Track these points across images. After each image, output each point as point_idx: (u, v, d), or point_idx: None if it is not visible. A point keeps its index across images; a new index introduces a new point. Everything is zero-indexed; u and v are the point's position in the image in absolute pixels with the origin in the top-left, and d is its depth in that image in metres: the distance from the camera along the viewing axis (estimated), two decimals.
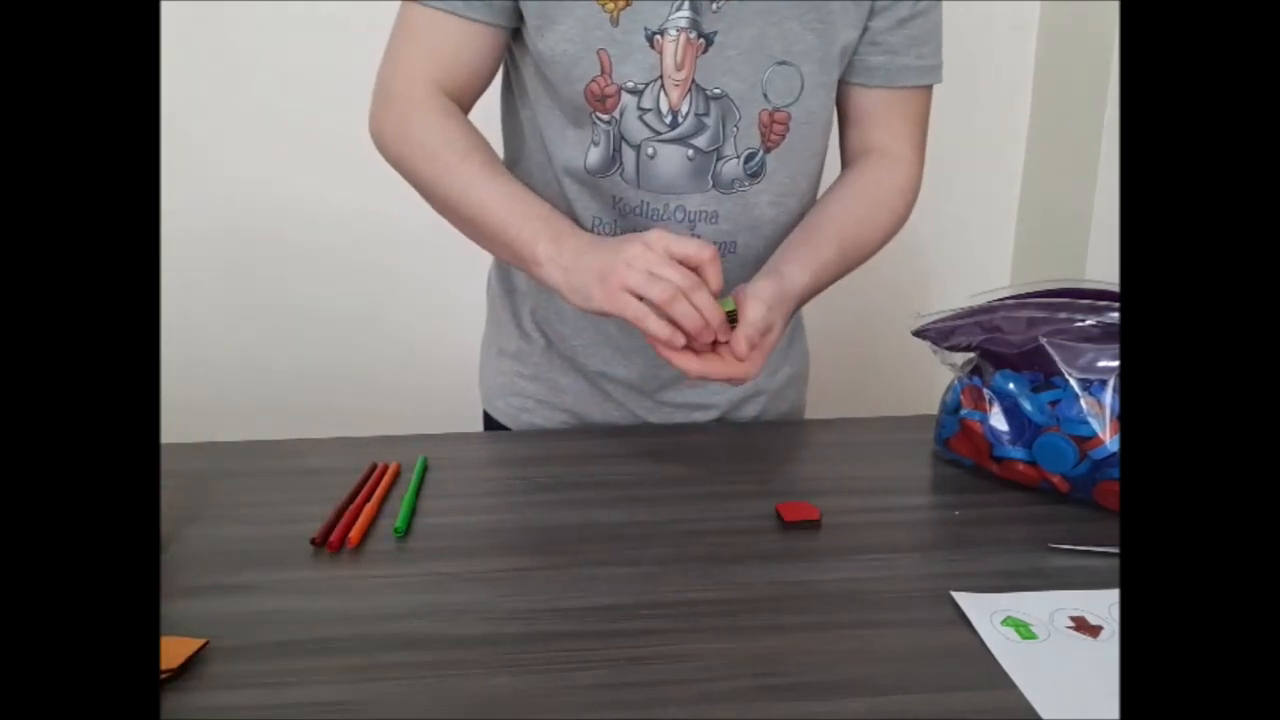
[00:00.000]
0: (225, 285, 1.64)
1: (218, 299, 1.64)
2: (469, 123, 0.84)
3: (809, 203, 0.92)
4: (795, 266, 0.81)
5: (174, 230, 1.36)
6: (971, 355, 0.82)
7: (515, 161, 0.92)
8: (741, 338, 0.72)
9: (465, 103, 0.85)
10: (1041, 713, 0.50)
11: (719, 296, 0.71)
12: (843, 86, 0.86)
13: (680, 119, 0.81)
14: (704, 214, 0.85)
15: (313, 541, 0.69)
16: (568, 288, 0.74)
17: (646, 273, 0.69)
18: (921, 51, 0.85)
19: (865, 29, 0.83)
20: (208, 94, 1.53)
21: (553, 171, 0.87)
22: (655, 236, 0.71)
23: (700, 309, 0.69)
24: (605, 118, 0.81)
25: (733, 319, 0.72)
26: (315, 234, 1.62)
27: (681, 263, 0.70)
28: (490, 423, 1.03)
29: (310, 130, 1.56)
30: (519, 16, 0.81)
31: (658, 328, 0.69)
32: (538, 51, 0.81)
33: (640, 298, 0.70)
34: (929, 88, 0.89)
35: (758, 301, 0.74)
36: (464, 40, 0.81)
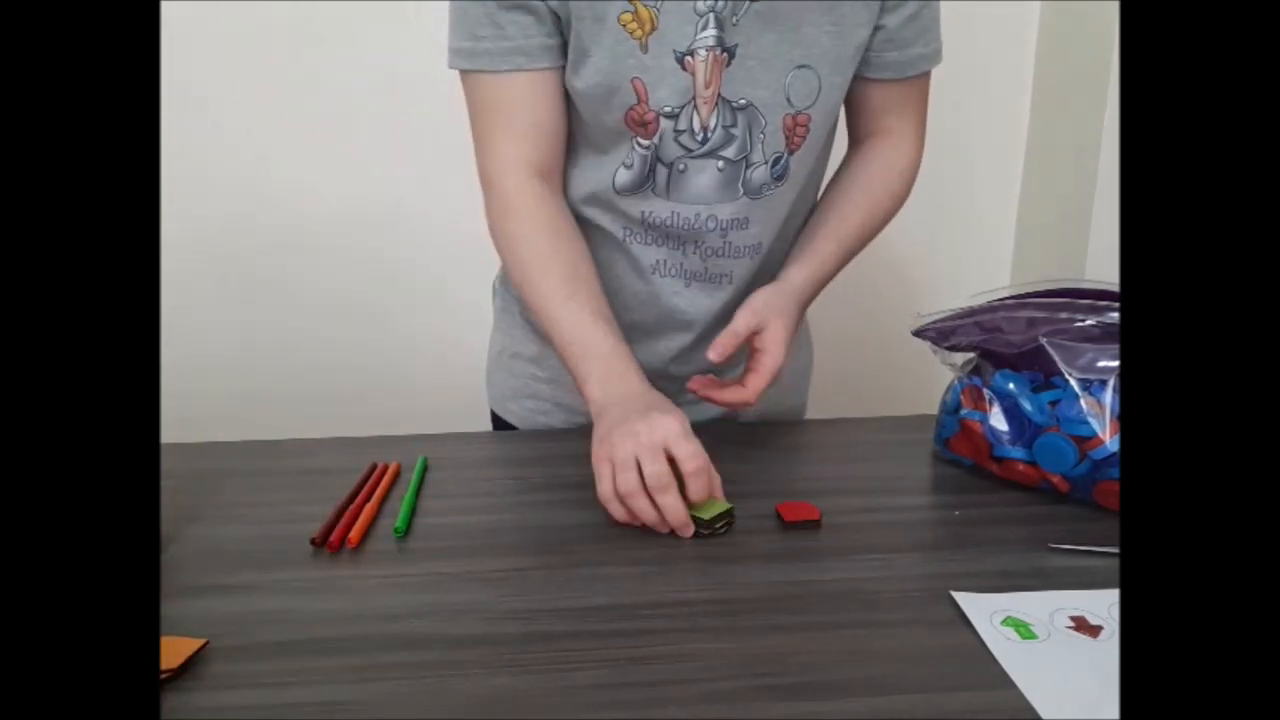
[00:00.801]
0: (226, 285, 1.64)
1: (218, 299, 1.64)
2: (559, 220, 0.84)
3: (817, 188, 0.94)
4: (792, 268, 0.88)
5: (174, 229, 1.37)
6: (971, 355, 0.82)
7: None
8: (721, 343, 0.81)
9: (558, 160, 0.86)
10: (1041, 713, 0.50)
11: (696, 504, 0.71)
12: (856, 80, 0.87)
13: (709, 134, 0.81)
14: (736, 221, 0.86)
15: (313, 541, 0.69)
16: (595, 437, 0.75)
17: (629, 457, 0.70)
18: (927, 39, 0.86)
19: (878, 28, 0.83)
20: (208, 93, 1.53)
21: (569, 200, 0.88)
22: (660, 423, 0.71)
23: (662, 509, 0.69)
24: (645, 143, 0.82)
25: (728, 515, 0.72)
26: (317, 233, 1.62)
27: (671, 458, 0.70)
28: (500, 425, 1.03)
29: (314, 130, 1.57)
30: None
31: (615, 510, 0.71)
32: (573, 86, 0.81)
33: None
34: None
35: (744, 310, 0.82)
36: (538, 94, 0.81)
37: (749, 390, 0.82)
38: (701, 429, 0.93)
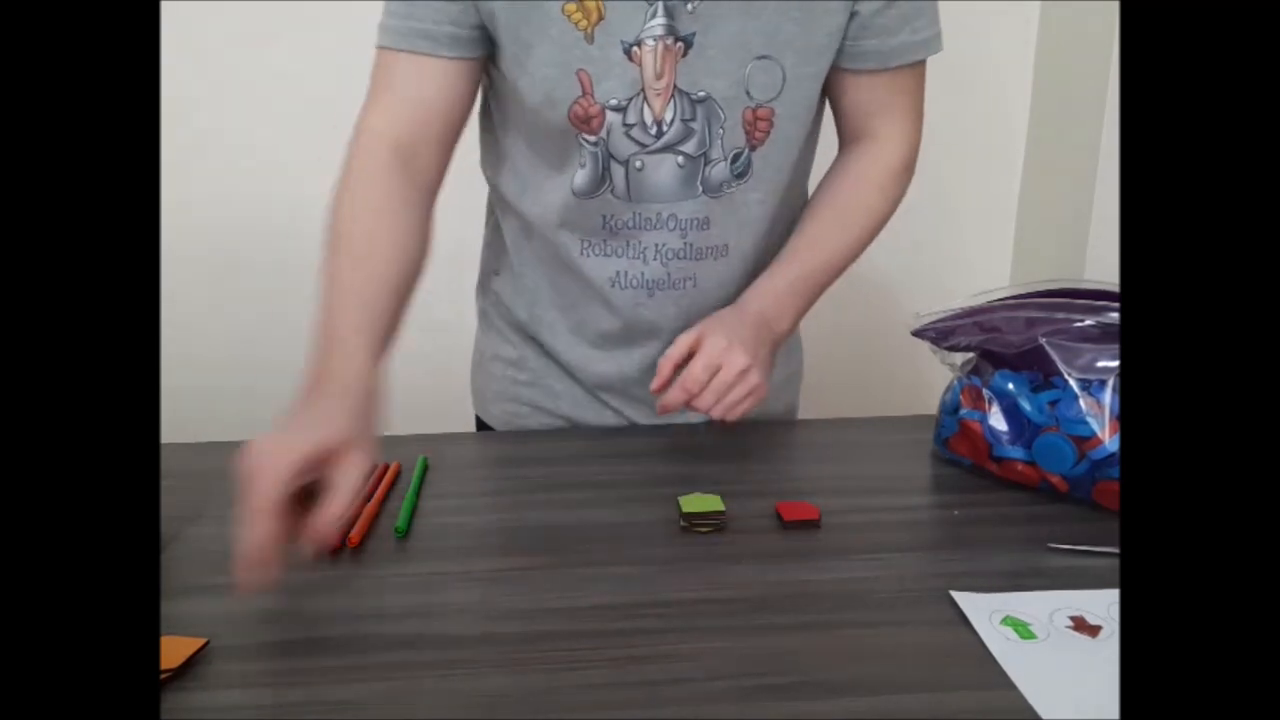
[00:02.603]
0: (225, 285, 1.64)
1: (217, 299, 1.64)
2: (382, 200, 0.77)
3: (798, 193, 0.92)
4: (752, 293, 0.86)
5: (172, 230, 1.37)
6: (971, 355, 0.82)
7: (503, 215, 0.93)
8: (659, 371, 0.80)
9: (448, 139, 0.83)
10: (1041, 713, 0.50)
11: (687, 497, 0.73)
12: (836, 74, 0.84)
13: (665, 127, 0.79)
14: (695, 220, 0.84)
15: None
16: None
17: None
18: (915, 26, 0.82)
19: (853, 14, 0.80)
20: (207, 95, 1.53)
21: (530, 226, 0.88)
22: (258, 456, 0.58)
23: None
24: (592, 139, 0.80)
25: (716, 516, 0.71)
26: (317, 234, 1.62)
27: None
28: (483, 428, 1.03)
29: (311, 133, 1.56)
30: (491, 42, 0.79)
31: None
32: (516, 82, 0.79)
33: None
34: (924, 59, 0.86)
35: (685, 333, 0.81)
36: (438, 80, 0.79)
37: (686, 378, 0.78)
38: (700, 430, 0.94)
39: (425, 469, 0.82)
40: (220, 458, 0.85)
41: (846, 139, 0.91)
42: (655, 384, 0.80)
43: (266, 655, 0.56)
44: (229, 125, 1.56)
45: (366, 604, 0.61)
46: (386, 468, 0.81)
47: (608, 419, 0.95)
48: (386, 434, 0.90)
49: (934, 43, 0.84)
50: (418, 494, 0.77)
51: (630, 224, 0.84)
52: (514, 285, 0.94)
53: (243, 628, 0.58)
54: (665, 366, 0.80)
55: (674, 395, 0.79)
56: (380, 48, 0.80)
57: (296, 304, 1.68)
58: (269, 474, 0.57)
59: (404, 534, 0.71)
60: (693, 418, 0.95)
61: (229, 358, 1.66)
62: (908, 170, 0.89)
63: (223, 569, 0.66)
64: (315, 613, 0.60)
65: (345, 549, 0.69)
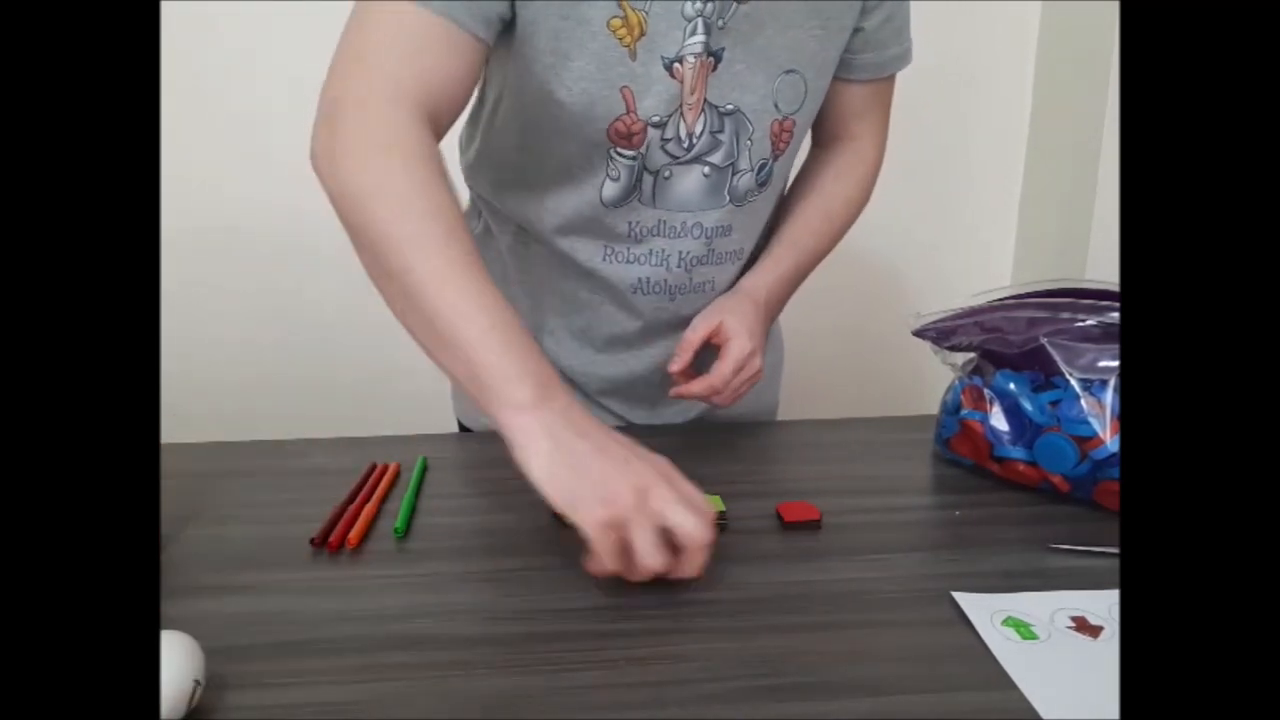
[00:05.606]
0: (224, 286, 1.64)
1: (216, 300, 1.64)
2: (450, 182, 0.68)
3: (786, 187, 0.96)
4: (745, 275, 0.90)
5: (172, 231, 1.37)
6: (972, 355, 0.82)
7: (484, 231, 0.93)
8: (678, 354, 0.85)
9: (453, 121, 0.75)
10: (1042, 713, 0.50)
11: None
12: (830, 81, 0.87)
13: (695, 140, 0.80)
14: (720, 229, 0.85)
15: (312, 542, 0.69)
16: (549, 462, 0.59)
17: (648, 529, 0.57)
18: (900, 39, 0.87)
19: (857, 30, 0.83)
20: (208, 90, 1.53)
21: (539, 234, 0.86)
22: (665, 489, 0.58)
23: (679, 572, 0.59)
24: (630, 154, 0.79)
25: (718, 518, 0.71)
26: (318, 233, 1.62)
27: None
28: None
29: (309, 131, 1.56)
30: (499, 39, 0.74)
31: (611, 563, 0.58)
32: (553, 94, 0.75)
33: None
34: None
35: (696, 319, 0.86)
36: (450, 51, 0.70)
37: (715, 376, 0.83)
38: (700, 430, 0.94)
39: (425, 469, 0.82)
40: (220, 458, 0.86)
41: (824, 139, 0.95)
42: (675, 365, 0.84)
43: (265, 656, 0.56)
44: (231, 122, 1.56)
45: (365, 604, 0.61)
46: (386, 468, 0.81)
47: (608, 421, 0.95)
48: (385, 434, 0.90)
49: (910, 54, 0.90)
50: (417, 494, 0.77)
51: (655, 231, 0.84)
52: (507, 293, 0.93)
53: (243, 628, 0.58)
54: (687, 352, 0.84)
55: (698, 389, 0.83)
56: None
57: (297, 306, 1.69)
58: (675, 478, 0.61)
59: (403, 534, 0.71)
60: (690, 411, 0.95)
61: (230, 358, 1.66)
62: (879, 167, 0.95)
63: (223, 569, 0.66)
64: (315, 613, 0.60)
65: (345, 549, 0.69)
